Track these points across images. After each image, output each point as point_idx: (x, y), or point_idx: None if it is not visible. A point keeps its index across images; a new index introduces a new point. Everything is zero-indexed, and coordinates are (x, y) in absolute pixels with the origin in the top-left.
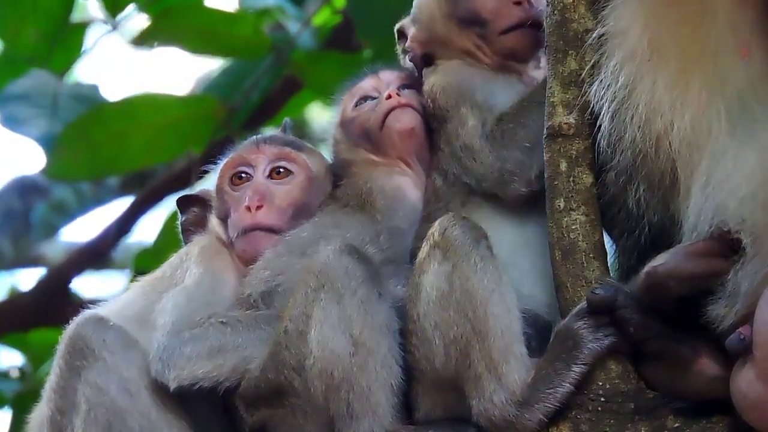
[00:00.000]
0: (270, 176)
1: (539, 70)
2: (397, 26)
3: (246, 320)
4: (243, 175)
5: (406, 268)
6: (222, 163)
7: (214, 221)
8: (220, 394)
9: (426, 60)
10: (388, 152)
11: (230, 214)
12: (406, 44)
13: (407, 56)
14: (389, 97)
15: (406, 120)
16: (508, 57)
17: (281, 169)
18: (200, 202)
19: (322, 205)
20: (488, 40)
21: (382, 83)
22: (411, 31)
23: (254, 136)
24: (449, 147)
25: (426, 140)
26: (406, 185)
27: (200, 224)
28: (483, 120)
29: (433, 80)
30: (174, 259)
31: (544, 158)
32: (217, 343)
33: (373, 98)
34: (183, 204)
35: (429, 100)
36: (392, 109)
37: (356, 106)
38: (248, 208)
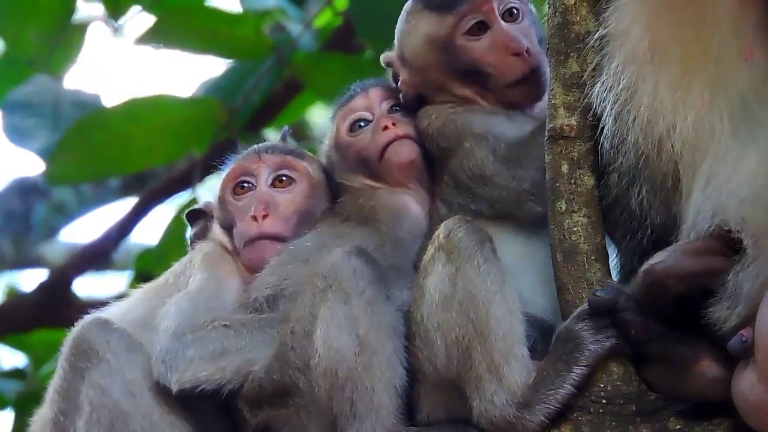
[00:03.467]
0: (273, 185)
1: (536, 108)
2: (383, 58)
3: (249, 323)
4: (245, 184)
5: (411, 273)
6: (223, 173)
7: (217, 230)
8: (223, 396)
9: (420, 99)
10: (387, 181)
11: (235, 223)
12: (399, 85)
13: (400, 95)
14: (386, 128)
15: (406, 153)
16: (511, 107)
17: (284, 177)
18: (206, 214)
19: (323, 218)
20: (490, 91)
21: (373, 103)
22: (403, 74)
23: (254, 146)
24: (453, 180)
25: (425, 167)
26: (409, 201)
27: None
28: (492, 149)
29: (428, 122)
30: (177, 266)
31: (546, 161)
32: (220, 345)
33: (367, 120)
34: (191, 218)
35: (427, 141)
36: (390, 141)
37: (351, 130)
38: (254, 218)
